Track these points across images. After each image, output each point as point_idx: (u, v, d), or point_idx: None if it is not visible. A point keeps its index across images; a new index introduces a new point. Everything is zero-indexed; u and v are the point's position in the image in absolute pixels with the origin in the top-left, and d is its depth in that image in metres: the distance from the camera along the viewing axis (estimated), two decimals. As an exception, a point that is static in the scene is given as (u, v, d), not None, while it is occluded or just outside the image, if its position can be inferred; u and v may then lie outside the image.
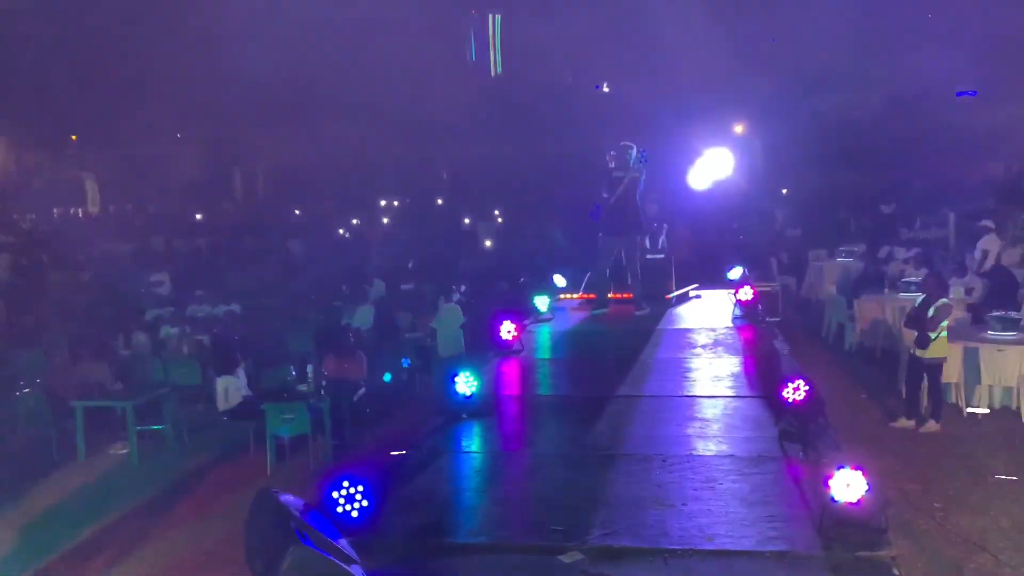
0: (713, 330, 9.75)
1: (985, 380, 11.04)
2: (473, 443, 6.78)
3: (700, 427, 6.79)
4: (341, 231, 22.19)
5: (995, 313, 11.82)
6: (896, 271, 16.20)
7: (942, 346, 10.01)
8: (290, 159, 38.03)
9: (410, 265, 17.45)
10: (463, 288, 15.53)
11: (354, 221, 23.71)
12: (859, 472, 4.54)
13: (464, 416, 7.17)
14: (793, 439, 6.12)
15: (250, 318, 14.63)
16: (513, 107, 38.05)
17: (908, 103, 40.28)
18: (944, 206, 20.29)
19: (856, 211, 20.95)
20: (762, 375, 7.84)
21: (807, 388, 6.43)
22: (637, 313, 10.81)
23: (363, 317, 14.56)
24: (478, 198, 27.18)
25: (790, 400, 6.49)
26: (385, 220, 24.44)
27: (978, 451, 9.64)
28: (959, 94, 45.18)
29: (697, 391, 7.69)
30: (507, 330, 8.93)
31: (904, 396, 10.35)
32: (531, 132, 36.23)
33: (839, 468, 4.61)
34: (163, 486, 9.22)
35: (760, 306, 10.34)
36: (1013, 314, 11.82)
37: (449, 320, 12.41)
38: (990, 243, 14.98)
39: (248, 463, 10.05)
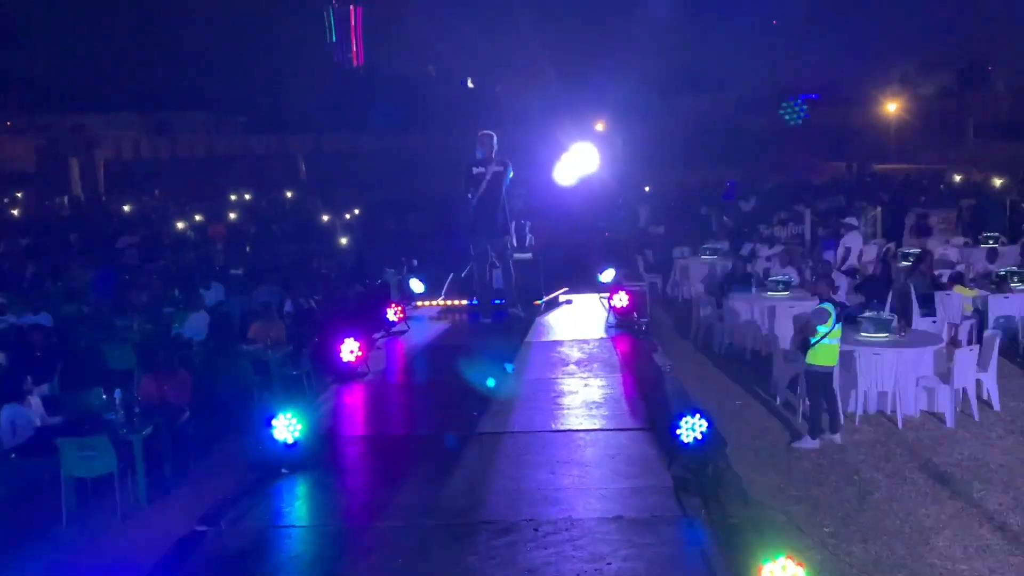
0: (586, 342, 8.38)
1: (861, 385, 10.23)
2: (290, 512, 5.12)
3: (578, 475, 5.39)
4: (181, 225, 19.80)
5: (867, 314, 11.08)
6: (760, 269, 15.52)
7: (823, 353, 9.07)
8: (136, 149, 35.02)
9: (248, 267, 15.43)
10: (315, 297, 13.71)
11: (196, 217, 21.29)
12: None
13: (284, 471, 5.48)
14: (691, 490, 4.78)
15: (63, 330, 12.32)
16: (375, 99, 36.26)
17: (758, 104, 41.05)
18: (799, 203, 19.88)
19: (717, 208, 20.29)
20: (645, 399, 6.52)
21: (706, 425, 5.11)
22: (511, 311, 9.38)
23: (195, 326, 12.53)
24: (336, 192, 25.19)
25: (686, 440, 5.16)
26: (232, 215, 22.10)
27: (860, 463, 8.80)
28: (803, 97, 46.53)
29: (572, 422, 6.30)
30: (349, 349, 7.28)
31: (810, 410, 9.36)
32: (394, 125, 34.59)
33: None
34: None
35: (636, 313, 9.07)
36: (885, 314, 11.12)
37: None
38: (852, 240, 14.40)
39: (40, 510, 8.01)
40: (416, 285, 10.40)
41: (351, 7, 41.20)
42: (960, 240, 16.91)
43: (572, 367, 7.47)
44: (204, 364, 10.89)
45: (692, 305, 14.01)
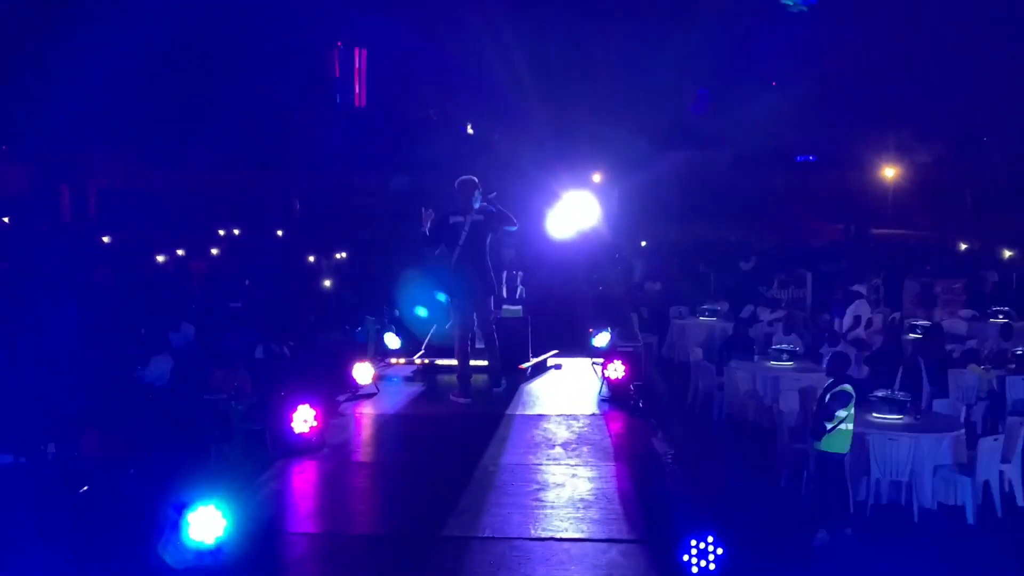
0: (575, 418, 7.25)
1: (875, 473, 9.13)
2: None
3: (560, 605, 4.26)
4: (160, 258, 18.68)
5: (880, 393, 10.03)
6: (760, 334, 14.47)
7: (838, 439, 8.00)
8: (130, 180, 34.04)
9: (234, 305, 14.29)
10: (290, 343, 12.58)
11: (179, 252, 20.20)
12: None
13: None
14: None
15: (13, 372, 11.12)
16: (375, 140, 35.54)
17: (753, 162, 40.41)
18: (800, 265, 18.87)
19: (715, 266, 19.29)
20: (643, 500, 5.41)
21: (720, 551, 4.01)
22: (495, 390, 8.14)
23: (157, 371, 11.38)
24: (329, 231, 24.15)
25: (694, 571, 4.05)
26: (214, 251, 20.98)
27: (874, 562, 7.68)
28: (799, 159, 45.95)
29: (555, 527, 5.17)
30: (303, 419, 6.16)
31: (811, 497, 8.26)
32: (392, 166, 33.76)
33: None
34: None
35: (632, 386, 7.96)
36: (900, 394, 10.06)
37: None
38: (862, 309, 13.37)
39: None
40: (391, 340, 9.26)
41: (356, 49, 40.61)
42: (968, 313, 15.87)
43: (558, 450, 6.34)
44: (160, 414, 9.75)
45: (690, 369, 12.92)
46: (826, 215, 29.81)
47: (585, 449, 6.37)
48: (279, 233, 25.07)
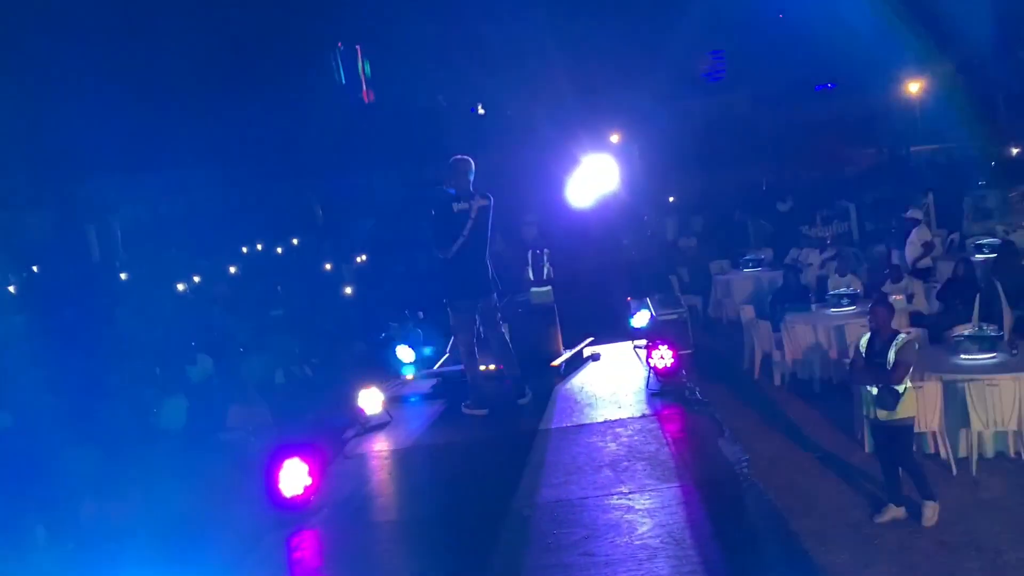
0: (623, 425, 5.86)
1: (975, 424, 7.71)
2: None
3: None
4: (180, 287, 17.64)
5: (966, 331, 8.53)
6: (812, 278, 12.96)
7: (910, 401, 6.59)
8: (153, 210, 33.24)
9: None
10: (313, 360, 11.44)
11: (195, 278, 19.12)
12: None
13: None
14: None
15: (26, 431, 10.14)
16: (388, 134, 34.29)
17: (773, 100, 38.29)
18: (841, 198, 17.20)
19: (750, 213, 17.67)
20: (722, 539, 4.04)
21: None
22: (519, 402, 6.77)
23: (172, 415, 10.30)
24: (349, 234, 22.95)
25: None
26: (232, 269, 19.89)
27: (997, 536, 6.29)
28: (817, 88, 43.58)
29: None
30: (291, 477, 4.87)
31: (883, 474, 6.84)
32: (404, 161, 32.52)
33: None
34: None
35: (684, 372, 6.58)
36: (989, 329, 8.54)
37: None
38: (925, 234, 11.76)
39: None
40: (405, 353, 7.97)
41: (357, 47, 39.18)
42: (1033, 224, 14.17)
43: (606, 473, 4.97)
44: (175, 462, 8.63)
45: (742, 329, 11.46)
46: (856, 142, 27.83)
47: (639, 467, 4.98)
48: (294, 242, 23.90)
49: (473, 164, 6.91)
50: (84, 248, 30.23)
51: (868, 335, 6.91)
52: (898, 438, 6.68)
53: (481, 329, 6.71)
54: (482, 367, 7.01)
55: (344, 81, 38.71)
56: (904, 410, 6.62)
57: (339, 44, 40.23)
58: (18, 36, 23.83)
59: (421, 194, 7.37)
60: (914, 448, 7.10)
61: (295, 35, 35.00)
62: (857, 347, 6.99)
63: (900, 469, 6.71)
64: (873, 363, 6.63)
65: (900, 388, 6.55)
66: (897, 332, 6.81)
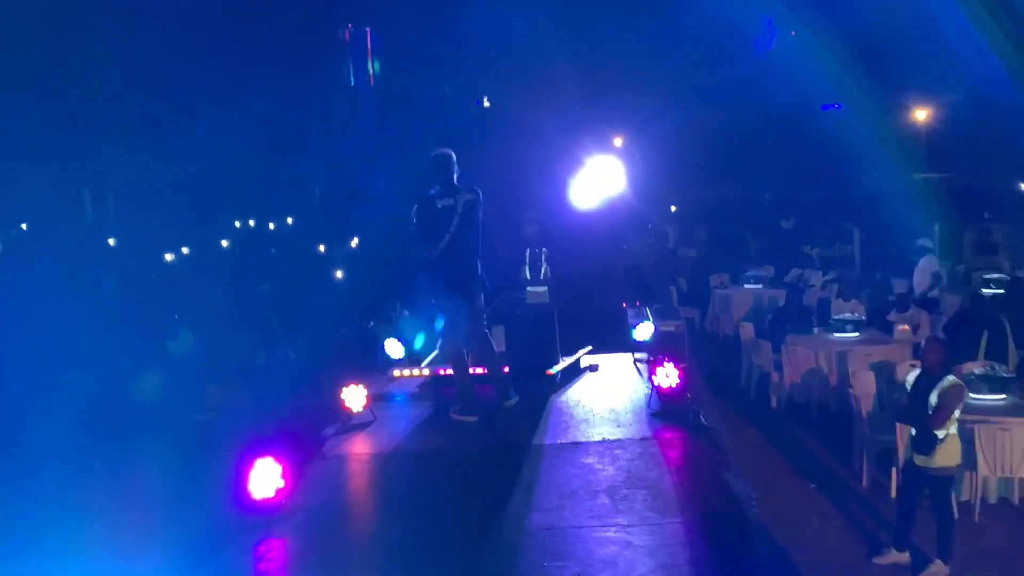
0: (621, 445, 5.43)
1: (983, 469, 7.32)
2: None
3: None
4: (168, 256, 17.07)
5: (976, 370, 8.15)
6: (813, 300, 12.57)
7: (953, 449, 6.12)
8: (149, 177, 32.60)
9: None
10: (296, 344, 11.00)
11: (183, 249, 18.56)
12: None
13: None
14: None
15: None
16: (391, 119, 33.81)
17: (778, 115, 37.91)
18: (846, 219, 16.81)
19: (753, 227, 17.26)
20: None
21: None
22: (505, 404, 6.37)
23: (147, 390, 9.85)
24: (347, 217, 22.42)
25: None
26: (224, 243, 19.33)
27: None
28: (824, 107, 43.19)
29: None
30: (263, 478, 4.43)
31: (896, 516, 6.41)
32: (411, 144, 31.96)
33: None
34: None
35: (688, 394, 6.16)
36: (1000, 369, 8.17)
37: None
38: (934, 264, 11.38)
39: None
40: (394, 348, 7.52)
41: (367, 29, 38.59)
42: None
43: (603, 500, 4.54)
44: (144, 441, 8.17)
45: (740, 346, 11.08)
46: (861, 164, 27.44)
47: (639, 496, 4.56)
48: (288, 221, 23.36)
49: (455, 157, 6.55)
50: (78, 210, 29.66)
51: (917, 372, 6.46)
52: (936, 488, 6.19)
53: (465, 329, 6.32)
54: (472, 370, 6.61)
55: (352, 64, 38.20)
56: (943, 458, 6.10)
57: (349, 26, 39.77)
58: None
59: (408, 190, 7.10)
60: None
61: (306, 14, 34.49)
62: (904, 384, 6.55)
63: (915, 515, 6.28)
64: (915, 402, 6.19)
65: (940, 434, 6.11)
66: (946, 373, 6.32)
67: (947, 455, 6.05)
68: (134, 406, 9.64)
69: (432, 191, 6.39)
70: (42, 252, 18.62)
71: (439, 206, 6.41)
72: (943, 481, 6.10)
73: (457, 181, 6.51)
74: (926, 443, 6.00)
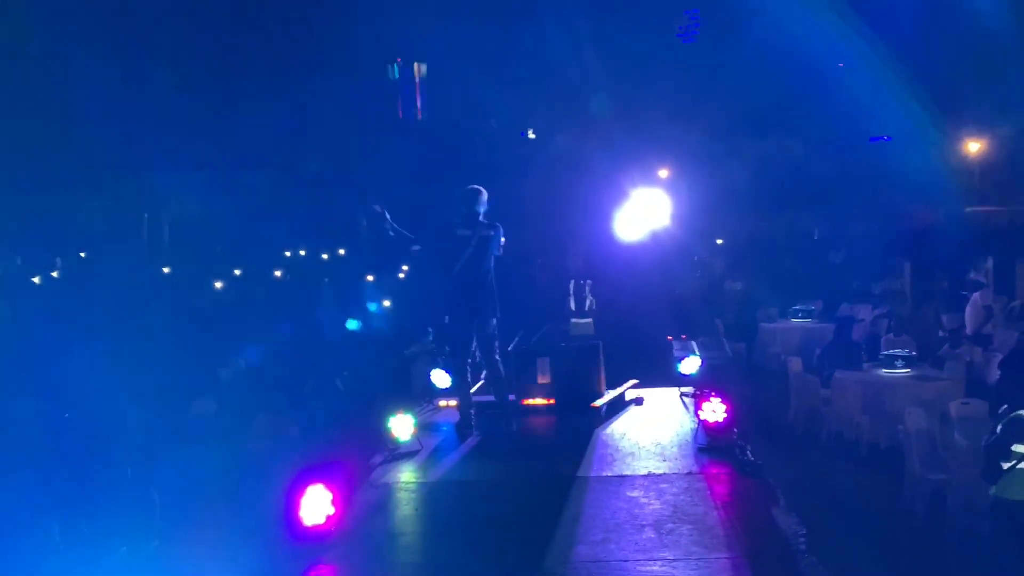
0: (667, 480, 5.43)
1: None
2: None
3: None
4: (218, 284, 17.52)
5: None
6: (862, 335, 12.37)
7: (1020, 481, 5.95)
8: (204, 208, 33.54)
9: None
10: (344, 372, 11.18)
11: (236, 271, 18.95)
12: None
13: None
14: None
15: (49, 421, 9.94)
16: (438, 152, 34.29)
17: (826, 148, 37.55)
18: (896, 254, 16.55)
19: (802, 261, 17.08)
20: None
21: None
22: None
23: (198, 417, 10.08)
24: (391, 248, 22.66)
25: None
26: (277, 273, 19.75)
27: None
28: (872, 139, 42.67)
29: None
30: (314, 505, 4.55)
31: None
32: (457, 176, 32.29)
33: None
34: None
35: (735, 429, 6.13)
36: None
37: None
38: (984, 298, 11.16)
39: None
40: (440, 378, 7.64)
41: (415, 64, 39.40)
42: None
43: (648, 534, 4.55)
44: (196, 469, 8.35)
45: (787, 380, 10.95)
46: (911, 197, 27.02)
47: (685, 531, 4.56)
48: (340, 252, 23.77)
49: (485, 195, 7.01)
50: (136, 239, 30.55)
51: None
52: (998, 516, 6.03)
53: (476, 352, 6.64)
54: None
55: (400, 98, 39.10)
56: (1006, 490, 5.98)
57: (398, 60, 40.70)
58: (88, 28, 24.24)
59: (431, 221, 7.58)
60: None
61: (355, 47, 35.43)
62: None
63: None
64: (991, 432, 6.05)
65: (1005, 465, 5.94)
66: (1017, 407, 6.14)
67: (1014, 487, 5.83)
68: (184, 434, 9.87)
69: (455, 220, 6.82)
70: (99, 279, 19.20)
71: (457, 235, 6.89)
72: (1013, 510, 5.89)
73: (484, 216, 6.92)
74: (990, 471, 5.85)
